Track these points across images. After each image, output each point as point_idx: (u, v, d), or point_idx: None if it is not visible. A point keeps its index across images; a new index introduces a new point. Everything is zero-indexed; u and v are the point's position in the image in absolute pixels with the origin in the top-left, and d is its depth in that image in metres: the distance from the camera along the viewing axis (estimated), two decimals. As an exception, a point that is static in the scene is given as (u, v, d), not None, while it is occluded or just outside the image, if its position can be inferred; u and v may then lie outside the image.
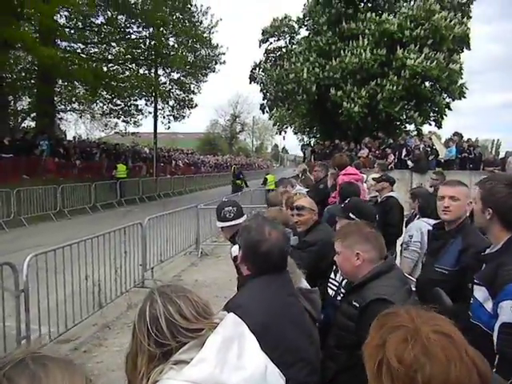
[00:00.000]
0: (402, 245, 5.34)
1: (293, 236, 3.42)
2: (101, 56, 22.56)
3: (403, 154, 16.40)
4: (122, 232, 6.57)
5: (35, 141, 17.32)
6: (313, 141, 26.55)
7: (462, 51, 21.25)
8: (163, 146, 33.64)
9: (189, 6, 23.24)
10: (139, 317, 1.25)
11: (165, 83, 24.95)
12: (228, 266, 5.51)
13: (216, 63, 26.09)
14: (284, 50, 24.83)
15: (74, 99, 23.37)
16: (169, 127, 26.59)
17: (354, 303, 2.04)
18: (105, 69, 21.53)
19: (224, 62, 26.22)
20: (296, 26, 24.82)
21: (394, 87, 19.26)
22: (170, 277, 7.77)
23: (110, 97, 22.93)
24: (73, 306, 5.09)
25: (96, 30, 21.83)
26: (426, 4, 19.78)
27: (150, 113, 25.11)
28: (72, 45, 21.43)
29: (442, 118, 21.73)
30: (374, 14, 20.82)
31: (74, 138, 24.01)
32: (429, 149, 16.42)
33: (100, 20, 21.63)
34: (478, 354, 0.94)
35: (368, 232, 2.21)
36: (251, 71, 25.50)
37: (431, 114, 21.81)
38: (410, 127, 22.28)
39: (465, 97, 21.05)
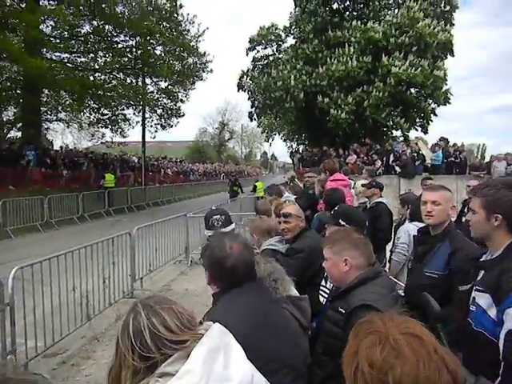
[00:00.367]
0: (391, 250, 5.39)
1: (284, 244, 3.42)
2: (87, 65, 22.45)
3: (391, 160, 16.56)
4: (110, 242, 6.49)
5: (21, 151, 17.13)
6: (301, 148, 26.69)
7: (446, 58, 21.64)
8: (152, 154, 33.50)
9: (175, 15, 23.29)
10: (122, 330, 1.23)
11: (152, 92, 24.91)
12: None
13: (203, 71, 26.15)
14: (271, 58, 25.01)
15: (60, 109, 23.17)
16: (154, 136, 26.50)
17: (340, 309, 2.04)
18: (91, 78, 21.42)
19: (211, 71, 26.30)
20: (283, 35, 25.04)
21: (380, 94, 19.51)
22: (159, 286, 7.69)
23: (97, 106, 22.80)
24: (60, 318, 4.99)
25: (82, 39, 21.74)
26: (409, 12, 20.14)
27: (137, 122, 25.02)
28: (58, 54, 21.31)
29: (428, 124, 22.06)
30: (359, 22, 21.16)
31: (61, 147, 23.74)
32: (415, 154, 16.61)
33: (86, 29, 21.57)
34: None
35: (357, 238, 2.22)
36: (239, 79, 25.61)
37: (417, 120, 22.13)
38: (397, 133, 22.57)
39: (450, 102, 21.41)
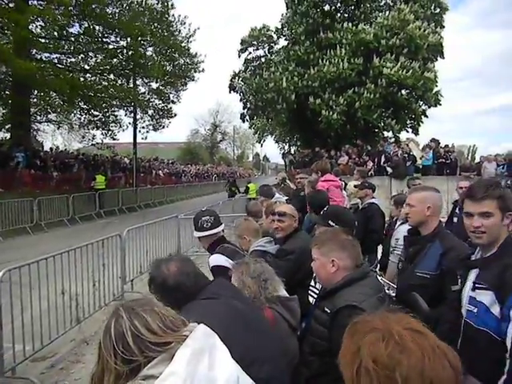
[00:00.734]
0: (382, 251, 5.40)
1: (274, 245, 3.40)
2: (78, 66, 22.27)
3: (382, 161, 16.63)
4: (100, 244, 6.42)
5: (11, 153, 16.91)
6: (293, 149, 26.75)
7: (437, 60, 21.82)
8: (143, 155, 33.33)
9: (166, 16, 23.21)
10: (104, 334, 1.21)
11: (143, 93, 24.79)
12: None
13: (195, 71, 26.07)
14: (263, 59, 25.06)
15: (50, 110, 22.94)
16: (146, 137, 26.38)
17: (326, 309, 2.04)
18: (82, 79, 21.24)
19: (203, 70, 26.22)
20: (274, 36, 25.11)
21: (372, 95, 19.62)
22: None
23: (87, 107, 22.61)
24: (49, 321, 4.92)
25: (72, 39, 21.56)
26: (400, 14, 20.29)
27: (129, 123, 24.87)
28: (48, 55, 21.10)
29: (419, 125, 22.25)
30: (350, 24, 21.29)
31: (51, 149, 23.50)
32: (406, 155, 16.70)
33: (76, 30, 21.41)
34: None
35: (344, 239, 2.22)
36: (230, 80, 25.61)
37: (408, 121, 22.29)
38: (388, 134, 22.68)
39: (440, 104, 21.59)
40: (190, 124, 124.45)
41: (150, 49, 23.59)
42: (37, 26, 20.05)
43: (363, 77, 20.22)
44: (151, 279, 2.00)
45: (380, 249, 5.57)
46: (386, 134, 22.77)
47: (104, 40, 21.93)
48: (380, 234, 5.58)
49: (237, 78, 25.38)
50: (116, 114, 24.26)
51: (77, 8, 19.03)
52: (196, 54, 25.65)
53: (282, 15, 24.74)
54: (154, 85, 24.85)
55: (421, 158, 17.24)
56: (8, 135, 21.66)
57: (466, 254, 2.18)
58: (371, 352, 0.93)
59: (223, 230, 3.46)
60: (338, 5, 23.11)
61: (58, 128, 27.23)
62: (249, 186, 18.42)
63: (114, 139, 25.06)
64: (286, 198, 6.45)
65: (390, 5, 22.60)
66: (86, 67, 22.39)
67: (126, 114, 24.50)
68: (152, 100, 25.39)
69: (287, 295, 2.33)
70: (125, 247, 7.15)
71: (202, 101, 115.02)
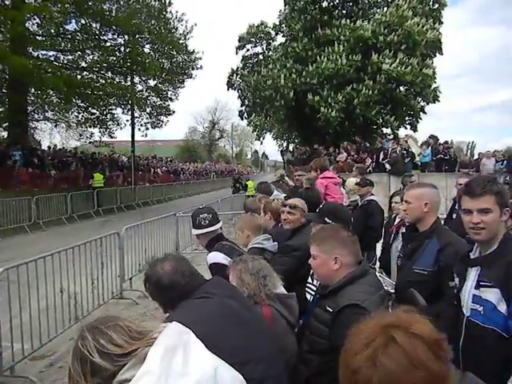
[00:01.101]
0: (381, 246, 5.40)
1: (272, 242, 3.39)
2: (75, 64, 22.17)
3: (381, 158, 16.61)
4: (98, 243, 6.41)
5: (8, 151, 16.84)
6: (292, 146, 26.73)
7: (435, 56, 21.80)
8: (141, 153, 33.26)
9: (164, 13, 23.12)
10: (72, 357, 1.24)
11: (141, 90, 24.71)
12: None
13: (193, 69, 25.98)
14: (261, 56, 25.00)
15: (47, 108, 22.86)
16: (146, 135, 26.32)
17: (328, 308, 2.02)
18: (79, 77, 21.16)
19: (201, 67, 26.13)
20: (272, 33, 25.06)
21: (370, 92, 19.60)
22: (149, 287, 7.60)
23: (85, 105, 22.53)
24: (47, 320, 4.92)
25: (69, 37, 21.47)
26: (398, 10, 20.25)
27: (127, 121, 24.77)
28: (45, 53, 21.01)
29: (418, 122, 22.24)
30: (348, 20, 21.24)
31: (49, 147, 23.42)
32: (405, 152, 16.68)
33: (73, 27, 21.31)
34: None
35: (345, 236, 2.20)
36: (228, 78, 25.56)
37: (406, 118, 22.28)
38: (387, 131, 22.68)
39: (438, 100, 21.60)
40: (188, 122, 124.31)
41: (148, 46, 23.54)
42: (33, 24, 19.98)
43: (361, 73, 20.20)
44: (146, 278, 2.00)
45: (379, 246, 5.57)
46: (384, 130, 22.78)
47: (101, 37, 21.85)
48: (379, 231, 5.57)
49: (235, 75, 25.33)
50: (114, 111, 24.20)
51: (73, 5, 18.93)
52: (193, 50, 25.59)
53: (279, 12, 24.73)
54: (152, 82, 24.78)
55: (419, 155, 17.24)
56: (5, 134, 21.59)
57: (464, 252, 2.17)
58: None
59: (221, 228, 3.45)
60: (336, 1, 23.06)
61: (56, 126, 27.18)
62: (247, 183, 18.41)
63: (112, 137, 24.98)
64: (285, 195, 6.44)
65: (388, 1, 22.54)
66: (83, 65, 22.29)
67: (123, 112, 24.43)
68: (150, 98, 25.32)
69: (285, 292, 2.32)
70: (123, 245, 7.14)
71: (200, 98, 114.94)
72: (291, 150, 23.95)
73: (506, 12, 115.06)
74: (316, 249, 2.18)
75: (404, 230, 3.01)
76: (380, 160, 16.55)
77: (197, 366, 1.19)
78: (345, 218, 3.05)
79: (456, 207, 5.13)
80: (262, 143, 64.55)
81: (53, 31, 20.89)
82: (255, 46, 25.39)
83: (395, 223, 4.87)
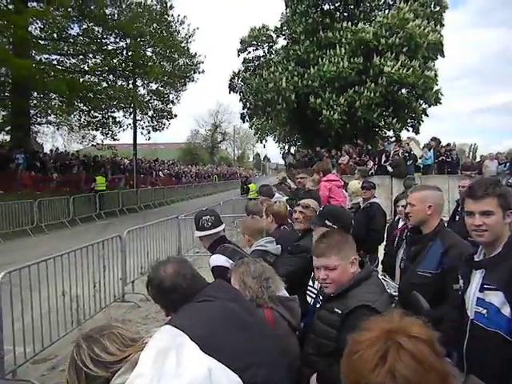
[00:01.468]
0: (384, 249, 5.38)
1: (275, 245, 3.37)
2: (77, 67, 22.26)
3: (383, 160, 16.60)
4: (100, 246, 6.41)
5: (11, 154, 16.91)
6: (293, 149, 26.71)
7: (437, 58, 21.78)
8: (143, 156, 33.31)
9: (166, 16, 23.20)
10: (69, 365, 1.26)
11: (143, 94, 24.78)
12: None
13: (195, 72, 26.06)
14: (262, 59, 25.01)
15: (49, 111, 22.94)
16: (149, 138, 26.38)
17: (336, 310, 2.00)
18: (81, 80, 21.23)
19: (203, 71, 26.23)
20: (274, 36, 25.07)
21: (372, 94, 19.59)
22: (151, 290, 7.59)
23: (87, 109, 22.60)
24: (49, 323, 4.91)
25: (72, 41, 21.57)
26: (400, 13, 20.26)
27: (128, 124, 24.84)
28: (47, 56, 21.10)
29: (420, 124, 22.21)
30: (349, 23, 21.26)
31: (51, 150, 23.48)
32: (407, 154, 16.67)
33: (76, 31, 21.42)
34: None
35: (351, 238, 2.23)
36: (230, 81, 25.58)
37: (408, 120, 22.24)
38: (389, 133, 22.66)
39: (440, 103, 21.55)
40: (190, 125, 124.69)
41: (150, 49, 23.59)
42: (36, 28, 20.05)
43: (363, 76, 20.20)
44: (149, 281, 2.00)
45: (381, 248, 5.55)
46: (386, 133, 22.75)
47: (103, 41, 21.94)
48: (381, 234, 5.55)
49: (236, 78, 25.36)
50: (116, 115, 24.28)
51: (76, 9, 19.03)
52: (195, 54, 25.68)
53: (281, 14, 24.73)
54: (154, 85, 24.86)
55: (420, 158, 17.22)
56: (8, 137, 21.66)
57: (468, 254, 2.16)
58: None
59: (224, 230, 3.45)
60: (338, 4, 23.09)
61: (58, 129, 27.23)
62: (249, 186, 18.39)
63: (115, 139, 25.06)
64: (287, 197, 6.44)
65: (389, 3, 22.58)
66: (86, 68, 22.36)
67: (125, 116, 24.51)
68: (151, 101, 25.38)
69: (287, 295, 2.31)
70: (125, 248, 7.14)
71: (202, 101, 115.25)
72: (293, 152, 23.95)
73: (507, 13, 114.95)
74: (335, 259, 2.11)
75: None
76: (382, 162, 16.53)
77: (190, 367, 1.19)
78: (346, 221, 3.03)
79: (459, 209, 5.12)
80: (264, 146, 64.75)
81: (55, 35, 20.99)
82: (257, 49, 25.42)
83: (399, 226, 4.86)
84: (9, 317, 4.37)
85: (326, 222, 2.87)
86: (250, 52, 25.35)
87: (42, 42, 20.20)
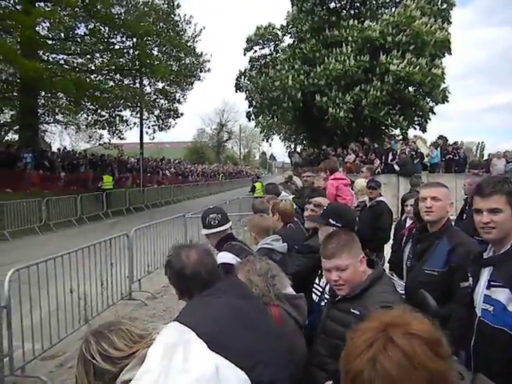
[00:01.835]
0: (391, 247, 5.36)
1: (281, 243, 3.38)
2: (84, 67, 22.39)
3: (389, 159, 16.52)
4: (107, 244, 6.44)
5: (19, 154, 17.05)
6: (300, 147, 26.67)
7: (444, 56, 21.62)
8: (150, 155, 33.43)
9: (172, 15, 23.25)
10: (77, 361, 1.28)
11: (150, 93, 24.85)
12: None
13: (201, 71, 26.10)
14: (269, 57, 24.99)
15: (57, 111, 23.09)
16: (153, 138, 26.49)
17: (353, 311, 1.96)
18: (88, 79, 21.36)
19: (209, 70, 26.26)
20: (280, 34, 25.02)
21: (378, 92, 19.50)
22: (158, 288, 7.65)
23: (94, 108, 22.72)
24: (57, 320, 4.96)
25: (79, 40, 21.69)
26: (406, 10, 20.13)
27: (135, 123, 24.95)
28: (55, 56, 21.24)
29: (427, 122, 22.06)
30: (356, 21, 21.15)
31: (59, 149, 23.65)
32: (414, 152, 16.58)
33: (83, 31, 21.53)
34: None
35: (356, 236, 2.22)
36: (237, 79, 25.58)
37: (415, 119, 22.10)
38: (396, 132, 22.56)
39: (448, 101, 21.40)
40: (196, 123, 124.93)
41: (156, 48, 23.67)
42: (43, 28, 20.23)
43: (370, 74, 20.11)
44: (169, 264, 1.97)
45: (388, 247, 5.53)
46: (393, 131, 22.65)
47: (110, 40, 22.02)
48: (388, 232, 5.53)
49: (243, 76, 25.35)
50: (122, 114, 24.39)
51: (83, 9, 19.12)
52: (202, 53, 25.71)
53: (287, 13, 24.66)
54: (160, 84, 24.93)
55: (427, 156, 17.12)
56: (16, 136, 21.86)
57: (477, 252, 2.15)
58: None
59: (231, 228, 3.45)
60: (344, 2, 22.99)
61: (66, 128, 27.45)
62: (255, 184, 18.37)
63: (121, 138, 25.20)
64: (293, 196, 6.43)
65: (396, 1, 22.43)
66: (93, 67, 22.50)
67: (131, 114, 24.62)
68: (158, 100, 25.46)
69: (294, 293, 2.32)
70: (132, 247, 7.18)
71: (208, 100, 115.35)
72: (299, 151, 23.92)
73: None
74: (346, 258, 2.07)
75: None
76: (389, 161, 16.46)
77: (197, 363, 1.20)
78: (350, 219, 3.01)
79: (466, 208, 5.09)
80: (270, 145, 64.71)
81: (62, 35, 21.13)
82: (263, 48, 25.42)
83: (407, 225, 4.83)
84: (17, 314, 4.41)
85: (330, 220, 2.85)
86: (256, 51, 25.37)
87: (49, 42, 20.34)
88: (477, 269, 2.06)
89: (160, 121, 25.90)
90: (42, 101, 21.80)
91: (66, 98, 20.83)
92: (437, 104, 21.53)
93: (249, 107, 25.66)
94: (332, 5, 22.82)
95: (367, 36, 20.09)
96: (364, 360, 0.91)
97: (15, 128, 22.03)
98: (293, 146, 29.22)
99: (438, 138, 18.29)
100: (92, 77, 22.37)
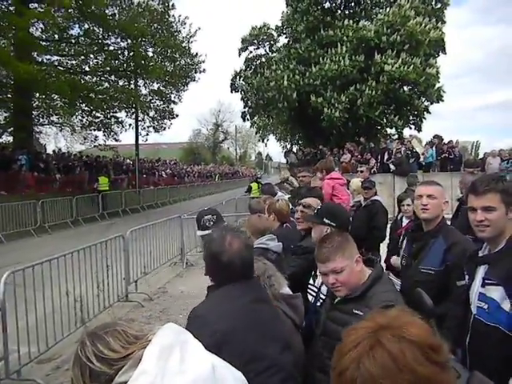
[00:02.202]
0: (387, 247, 5.38)
1: (276, 242, 3.37)
2: (78, 68, 22.31)
3: (385, 158, 16.58)
4: (103, 245, 6.43)
5: (14, 155, 16.95)
6: (295, 147, 26.70)
7: (438, 55, 21.73)
8: (146, 156, 33.37)
9: (167, 16, 23.22)
10: (73, 363, 1.27)
11: (145, 94, 24.81)
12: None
13: (196, 72, 26.06)
14: (264, 58, 25.00)
15: (52, 112, 23.00)
16: (146, 139, 26.46)
17: (356, 312, 1.95)
18: (83, 81, 21.29)
19: (204, 71, 26.22)
20: (275, 34, 25.06)
21: (373, 92, 19.57)
22: (154, 289, 7.63)
23: (89, 109, 22.65)
24: (53, 323, 4.93)
25: (73, 41, 21.61)
26: (401, 10, 20.24)
27: (130, 125, 24.88)
28: (49, 57, 21.16)
29: (422, 122, 22.15)
30: (351, 21, 21.24)
31: (54, 151, 23.55)
32: (409, 152, 16.65)
33: (77, 32, 21.46)
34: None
35: (350, 236, 2.21)
36: (232, 80, 25.57)
37: (411, 118, 22.19)
38: (391, 131, 22.64)
39: (442, 100, 21.50)
40: (192, 124, 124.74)
41: (151, 49, 23.63)
42: (37, 29, 20.11)
43: (365, 74, 20.18)
44: (210, 242, 1.92)
45: (384, 247, 5.54)
46: (388, 130, 22.73)
47: (104, 41, 21.96)
48: (383, 232, 5.55)
49: (238, 77, 25.35)
50: (117, 115, 24.32)
51: (77, 10, 19.05)
52: (197, 54, 25.68)
53: (282, 13, 24.70)
54: (155, 85, 24.88)
55: (422, 155, 17.19)
56: (11, 138, 21.73)
57: (473, 250, 2.16)
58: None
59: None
60: (338, 2, 23.08)
61: (61, 130, 27.29)
62: (251, 185, 18.38)
63: (117, 140, 25.13)
64: (289, 196, 6.43)
65: (390, 1, 22.50)
66: (87, 69, 22.42)
67: (127, 115, 24.55)
68: (153, 101, 25.41)
69: (290, 292, 2.31)
70: (128, 248, 7.15)
71: (203, 101, 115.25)
72: (295, 151, 23.94)
73: (508, 11, 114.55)
74: (341, 260, 2.06)
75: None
76: (384, 160, 16.52)
77: (194, 363, 1.19)
78: (344, 219, 3.01)
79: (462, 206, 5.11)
80: (266, 145, 64.72)
81: (56, 36, 21.04)
82: (258, 48, 25.42)
83: (403, 225, 4.84)
84: (13, 317, 4.39)
85: (325, 220, 2.86)
86: (251, 51, 25.37)
87: (43, 44, 20.24)
88: (472, 267, 2.07)
89: (155, 122, 25.87)
90: (37, 102, 21.68)
91: (61, 99, 20.73)
92: (432, 103, 21.64)
93: (244, 107, 25.68)
94: (327, 5, 22.90)
95: (362, 36, 20.16)
96: (349, 359, 0.90)
97: (9, 130, 21.88)
98: (289, 145, 29.28)
99: (434, 137, 18.36)
100: (86, 78, 22.31)
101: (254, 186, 17.87)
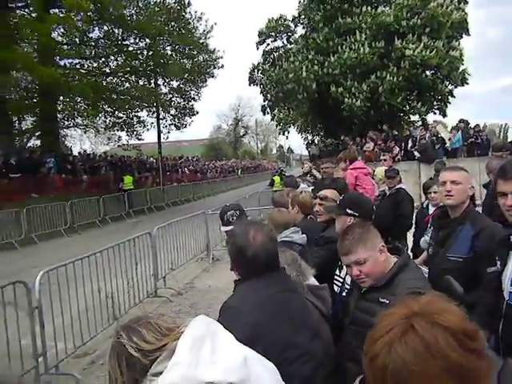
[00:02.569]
0: (413, 235, 5.30)
1: (301, 235, 3.37)
2: (99, 70, 22.71)
3: (409, 145, 16.25)
4: (131, 243, 6.57)
5: (42, 159, 17.49)
6: (317, 139, 26.47)
7: (462, 37, 21.03)
8: (168, 154, 33.76)
9: (183, 13, 23.32)
10: (109, 355, 1.32)
11: (165, 93, 25.05)
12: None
13: (214, 68, 26.14)
14: (282, 49, 24.82)
15: (76, 115, 23.54)
16: (167, 137, 26.77)
17: (382, 300, 1.94)
18: (104, 82, 21.69)
19: (222, 66, 26.29)
20: (292, 25, 24.81)
21: (395, 78, 19.12)
22: (182, 284, 7.75)
23: (111, 110, 23.06)
24: (87, 319, 5.09)
25: (93, 44, 22.01)
26: (420, -8, 19.64)
27: (152, 123, 25.21)
28: (71, 61, 21.62)
29: (446, 106, 21.52)
30: (369, 7, 20.73)
31: (80, 153, 24.13)
32: (434, 138, 16.26)
33: (96, 34, 21.83)
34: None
35: (372, 226, 2.20)
36: (250, 73, 25.53)
37: (434, 103, 21.62)
38: (415, 118, 22.13)
39: (467, 83, 20.80)
40: (212, 120, 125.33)
41: (169, 48, 23.80)
42: (58, 34, 20.55)
43: (385, 60, 19.72)
44: (233, 237, 1.96)
45: (410, 236, 5.46)
46: (412, 117, 22.22)
47: (123, 42, 22.28)
48: (410, 220, 5.46)
49: (256, 70, 25.27)
50: (139, 114, 24.68)
51: (95, 13, 19.37)
52: (214, 49, 25.73)
53: (298, 3, 24.36)
54: (175, 83, 25.08)
55: (448, 140, 16.75)
56: (38, 142, 22.37)
57: (504, 235, 2.10)
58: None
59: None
60: (356, -12, 22.59)
61: (85, 132, 27.93)
62: (274, 178, 18.38)
63: (139, 139, 25.53)
64: (312, 187, 6.40)
65: (409, -16, 21.91)
66: (108, 70, 22.81)
67: (148, 115, 24.88)
68: (174, 99, 25.64)
69: (317, 283, 2.32)
70: (155, 245, 7.29)
71: (222, 96, 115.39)
72: (316, 142, 23.75)
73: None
74: (363, 251, 2.05)
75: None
76: (409, 148, 16.19)
77: (225, 354, 1.23)
78: (367, 208, 2.97)
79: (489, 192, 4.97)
80: (287, 138, 64.38)
81: (77, 39, 21.47)
82: (275, 40, 25.24)
83: (429, 213, 4.75)
84: (49, 314, 4.56)
85: (348, 210, 2.84)
86: (268, 44, 25.21)
87: (64, 47, 20.69)
88: (504, 252, 2.02)
89: (176, 119, 26.11)
90: (61, 106, 22.23)
91: (84, 101, 21.20)
92: (456, 87, 20.98)
93: (264, 101, 25.60)
94: (344, -8, 22.45)
95: (381, 22, 19.69)
96: (381, 344, 0.90)
97: (37, 134, 22.52)
98: (310, 137, 29.05)
99: (459, 121, 17.86)
100: (108, 79, 22.71)
101: (277, 179, 17.87)
